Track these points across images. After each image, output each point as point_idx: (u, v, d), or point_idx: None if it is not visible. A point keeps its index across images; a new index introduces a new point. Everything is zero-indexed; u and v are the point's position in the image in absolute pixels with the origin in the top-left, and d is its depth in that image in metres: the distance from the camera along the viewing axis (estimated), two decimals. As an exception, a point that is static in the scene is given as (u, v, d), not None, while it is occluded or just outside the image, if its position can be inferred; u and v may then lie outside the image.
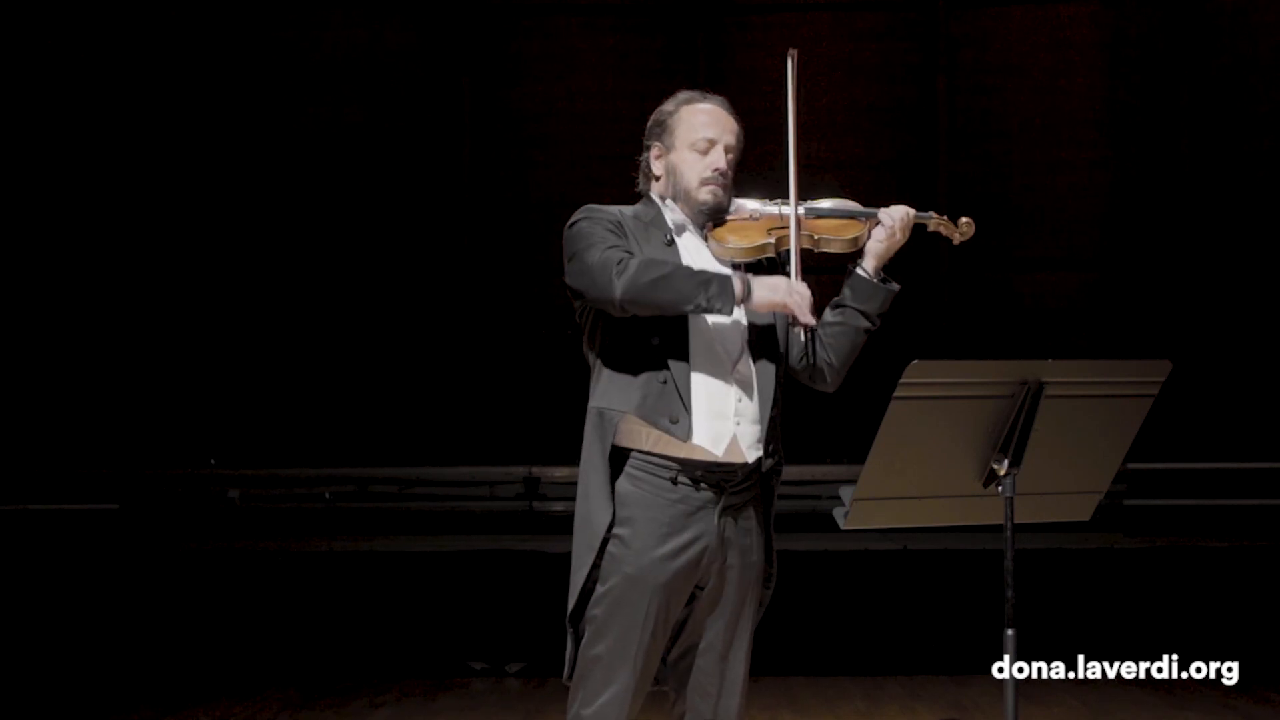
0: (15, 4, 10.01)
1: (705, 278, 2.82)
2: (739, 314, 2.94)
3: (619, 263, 2.82)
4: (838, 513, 2.83)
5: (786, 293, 2.85)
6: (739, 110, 3.10)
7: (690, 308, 2.81)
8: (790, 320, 2.91)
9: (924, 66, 10.52)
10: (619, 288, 2.80)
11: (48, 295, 10.09)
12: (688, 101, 3.06)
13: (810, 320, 2.85)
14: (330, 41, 10.56)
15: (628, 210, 3.03)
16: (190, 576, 7.03)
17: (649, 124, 3.09)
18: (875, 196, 3.11)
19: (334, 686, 6.15)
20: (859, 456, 2.75)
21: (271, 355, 10.22)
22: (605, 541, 2.87)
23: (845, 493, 2.80)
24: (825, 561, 6.88)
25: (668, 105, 3.07)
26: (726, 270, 2.91)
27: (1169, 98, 10.29)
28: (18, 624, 6.72)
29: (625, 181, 3.14)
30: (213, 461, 9.41)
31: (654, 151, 3.06)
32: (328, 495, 9.16)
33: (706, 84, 3.35)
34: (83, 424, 9.76)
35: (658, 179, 3.06)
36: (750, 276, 2.88)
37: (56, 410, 9.85)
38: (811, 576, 6.79)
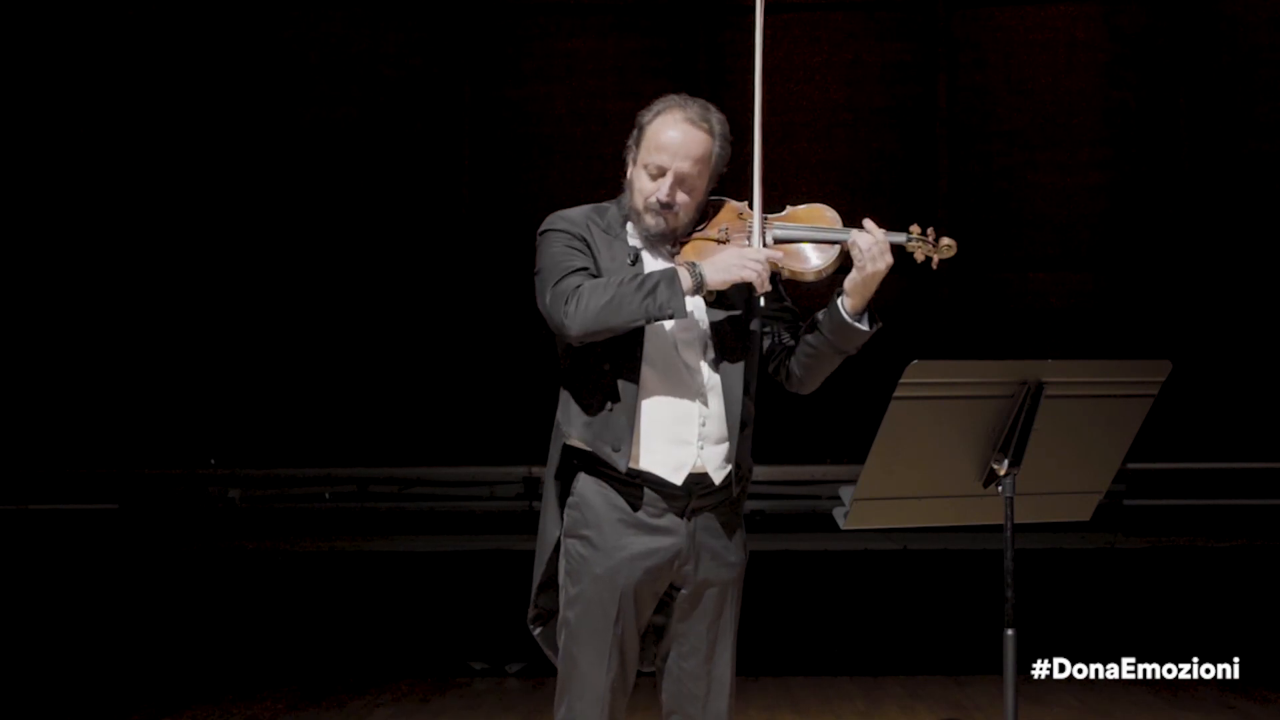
0: (15, 4, 10.01)
1: (650, 285, 2.74)
2: (703, 331, 2.89)
3: (566, 300, 2.77)
4: (838, 513, 2.83)
5: (740, 266, 2.76)
6: (739, 111, 3.02)
7: (643, 322, 2.75)
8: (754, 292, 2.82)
9: (924, 66, 10.52)
10: (571, 326, 2.77)
11: (48, 295, 10.09)
12: (661, 113, 2.91)
13: (769, 286, 2.78)
14: (331, 42, 10.56)
15: (599, 217, 2.95)
16: (191, 576, 7.03)
17: (634, 124, 2.98)
18: (875, 197, 3.06)
19: (334, 686, 6.14)
20: (859, 456, 2.74)
21: (271, 355, 10.22)
22: (555, 555, 2.91)
23: (845, 493, 2.79)
24: (825, 561, 6.89)
25: (646, 113, 2.94)
26: (670, 265, 2.82)
27: (1169, 98, 10.29)
28: (18, 624, 6.72)
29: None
30: (213, 461, 9.41)
31: (629, 156, 2.97)
32: (328, 495, 9.17)
33: (707, 84, 3.31)
34: (82, 424, 9.76)
35: (628, 185, 2.97)
36: (697, 263, 2.79)
37: (56, 410, 9.85)
38: (811, 576, 6.80)
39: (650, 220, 2.89)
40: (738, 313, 2.94)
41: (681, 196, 2.88)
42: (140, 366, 10.02)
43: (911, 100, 10.52)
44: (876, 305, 2.92)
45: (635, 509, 2.86)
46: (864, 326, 2.87)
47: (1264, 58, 10.13)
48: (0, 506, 8.55)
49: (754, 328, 2.95)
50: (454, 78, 10.57)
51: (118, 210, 10.18)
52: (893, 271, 2.86)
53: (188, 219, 10.30)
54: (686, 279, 2.75)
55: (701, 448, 2.87)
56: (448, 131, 10.56)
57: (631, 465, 2.84)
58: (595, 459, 2.87)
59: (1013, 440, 2.78)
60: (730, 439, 2.89)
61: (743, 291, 2.89)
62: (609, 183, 3.10)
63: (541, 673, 6.30)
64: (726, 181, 3.02)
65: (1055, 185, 10.42)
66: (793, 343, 3.00)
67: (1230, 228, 10.10)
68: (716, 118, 2.93)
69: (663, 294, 2.73)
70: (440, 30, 10.58)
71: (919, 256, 2.90)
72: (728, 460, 2.89)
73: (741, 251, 2.78)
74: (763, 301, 2.82)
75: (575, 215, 2.96)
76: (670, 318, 2.76)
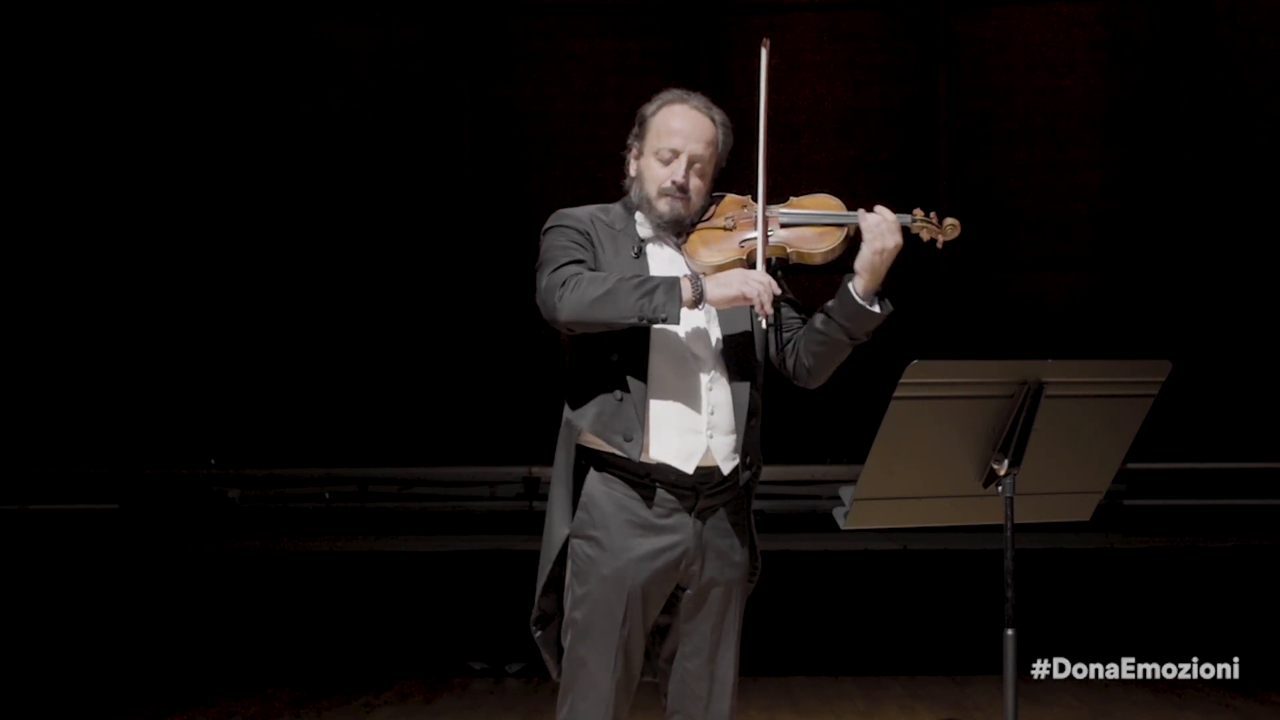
0: (16, 4, 10.01)
1: (649, 287, 2.75)
2: (710, 323, 2.91)
3: (563, 284, 2.79)
4: (838, 513, 2.83)
5: (742, 283, 2.77)
6: (737, 110, 3.04)
7: (635, 321, 2.75)
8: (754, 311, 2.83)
9: (924, 66, 10.52)
10: (561, 311, 2.78)
11: (48, 295, 10.09)
12: (666, 104, 2.97)
13: (769, 310, 2.76)
14: (330, 41, 10.56)
15: (604, 215, 2.98)
16: (190, 576, 7.03)
17: (635, 120, 3.03)
18: (875, 197, 3.04)
19: (334, 686, 6.15)
20: (859, 456, 2.74)
21: (271, 355, 10.22)
22: (563, 552, 2.90)
23: (845, 493, 2.79)
24: (825, 561, 6.88)
25: (649, 105, 3.00)
26: (675, 273, 2.84)
27: (1169, 98, 10.29)
28: (18, 624, 6.72)
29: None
30: (213, 461, 9.41)
31: (632, 151, 3.01)
32: (328, 495, 9.16)
33: (707, 84, 3.32)
34: (83, 424, 9.76)
35: (633, 180, 3.01)
36: (701, 277, 2.81)
37: (56, 410, 9.85)
38: (811, 576, 6.80)
39: (664, 206, 2.92)
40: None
41: (695, 181, 2.92)
42: (141, 366, 10.03)
43: (911, 100, 10.53)
44: None
45: (645, 509, 2.87)
46: (875, 309, 2.86)
47: (1264, 57, 10.13)
48: (0, 506, 8.55)
49: (760, 319, 2.96)
50: (454, 78, 10.57)
51: (118, 210, 10.18)
52: (894, 269, 2.87)
53: (187, 219, 10.30)
54: (687, 289, 2.77)
55: (711, 437, 2.87)
56: (448, 131, 10.56)
57: (643, 457, 2.84)
58: (605, 457, 2.88)
59: (1013, 440, 2.78)
60: (738, 429, 2.90)
61: None
62: (608, 182, 3.11)
63: (541, 673, 6.26)
64: (728, 184, 3.04)
65: (1056, 185, 10.42)
66: (800, 335, 2.99)
67: (1230, 227, 10.11)
68: (716, 108, 2.99)
69: (659, 298, 2.74)
70: (440, 30, 10.59)
71: (925, 237, 2.92)
72: (736, 451, 2.90)
73: (746, 272, 2.80)
74: (764, 324, 2.83)
75: (580, 213, 2.99)
76: (664, 323, 2.76)
